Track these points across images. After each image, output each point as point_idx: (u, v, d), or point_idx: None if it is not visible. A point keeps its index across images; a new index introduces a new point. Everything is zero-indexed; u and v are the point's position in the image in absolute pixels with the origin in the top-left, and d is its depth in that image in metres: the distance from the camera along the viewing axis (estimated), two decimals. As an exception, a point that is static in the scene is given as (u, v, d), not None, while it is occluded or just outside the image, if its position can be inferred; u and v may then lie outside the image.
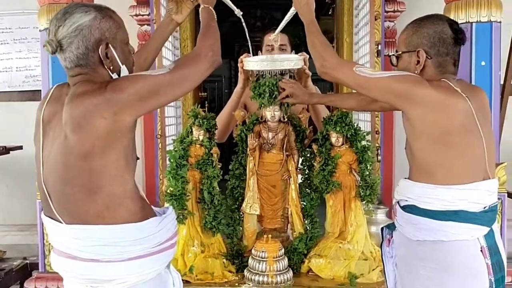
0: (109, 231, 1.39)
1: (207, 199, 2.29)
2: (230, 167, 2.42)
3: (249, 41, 2.28)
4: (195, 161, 2.31)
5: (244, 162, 2.38)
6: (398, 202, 1.82)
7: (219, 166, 2.34)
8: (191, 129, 2.35)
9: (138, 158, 1.53)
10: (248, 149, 2.34)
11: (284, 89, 2.28)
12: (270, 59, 2.31)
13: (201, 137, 2.32)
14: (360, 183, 2.29)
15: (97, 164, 1.36)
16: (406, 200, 1.76)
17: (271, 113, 2.33)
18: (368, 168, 2.30)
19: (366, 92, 1.79)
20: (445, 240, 1.66)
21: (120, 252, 1.40)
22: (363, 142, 2.31)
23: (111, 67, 1.45)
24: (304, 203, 2.38)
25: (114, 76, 1.46)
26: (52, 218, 1.45)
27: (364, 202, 2.30)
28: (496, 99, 2.87)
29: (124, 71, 1.49)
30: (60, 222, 1.42)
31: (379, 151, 3.36)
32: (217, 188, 2.33)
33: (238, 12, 2.17)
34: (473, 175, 1.67)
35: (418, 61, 1.73)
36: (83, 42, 1.41)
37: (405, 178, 1.82)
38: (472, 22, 2.84)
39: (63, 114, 1.36)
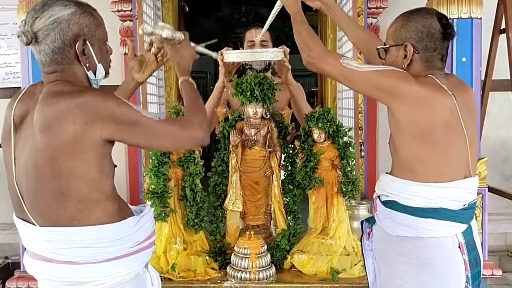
0: (85, 233, 1.36)
1: (189, 197, 2.28)
2: (212, 164, 2.41)
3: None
4: (177, 158, 2.30)
5: (226, 159, 2.38)
6: (378, 196, 1.82)
7: (201, 163, 2.33)
8: (173, 126, 2.33)
9: (115, 166, 1.48)
10: (230, 146, 2.33)
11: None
12: (250, 51, 2.30)
13: (183, 134, 2.31)
14: (342, 179, 2.30)
15: (64, 171, 1.31)
16: (387, 196, 1.77)
17: (253, 109, 2.32)
18: (350, 164, 2.31)
19: (351, 85, 1.78)
20: (424, 236, 1.66)
21: (96, 254, 1.37)
22: (345, 138, 2.32)
23: (87, 64, 1.42)
24: (287, 200, 2.38)
25: (90, 74, 1.43)
26: (25, 220, 1.41)
27: (346, 198, 2.31)
28: (477, 95, 2.90)
29: (100, 70, 1.46)
30: (34, 224, 1.38)
31: (362, 147, 3.38)
32: (200, 185, 2.32)
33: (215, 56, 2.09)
34: (455, 173, 1.68)
35: (406, 55, 1.71)
36: (60, 36, 1.37)
37: (387, 173, 1.82)
38: (453, 19, 2.85)
39: (35, 113, 1.32)
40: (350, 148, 2.31)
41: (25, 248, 1.49)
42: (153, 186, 2.24)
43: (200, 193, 2.30)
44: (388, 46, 1.78)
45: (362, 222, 1.97)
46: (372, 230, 1.89)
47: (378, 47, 1.83)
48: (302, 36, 1.86)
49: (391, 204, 1.74)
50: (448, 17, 2.87)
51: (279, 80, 2.71)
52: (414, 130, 1.64)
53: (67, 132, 1.28)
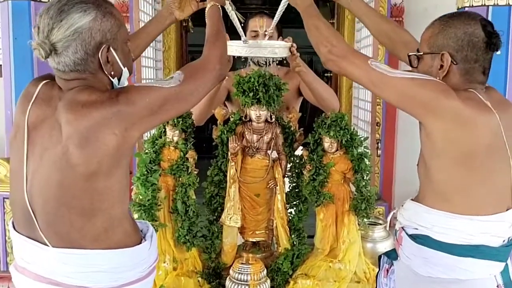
0: (106, 256, 1.28)
1: (180, 210, 2.01)
2: (208, 173, 2.13)
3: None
4: (168, 166, 2.03)
5: (224, 168, 2.10)
6: (403, 228, 1.57)
7: (196, 172, 2.06)
8: (165, 129, 2.06)
9: (131, 173, 1.37)
10: (229, 154, 2.05)
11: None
12: (252, 45, 2.00)
13: (175, 138, 2.04)
14: (355, 195, 2.02)
15: (101, 184, 1.25)
16: (416, 228, 1.52)
17: (256, 112, 2.02)
18: (365, 178, 2.02)
19: (378, 92, 1.53)
20: (462, 278, 1.46)
21: (115, 279, 1.30)
22: (360, 149, 2.03)
23: (112, 72, 1.32)
24: (291, 216, 2.11)
25: (115, 81, 1.33)
26: (32, 239, 1.29)
27: (358, 216, 2.03)
28: (510, 90, 2.63)
29: (125, 75, 1.36)
30: (46, 244, 1.26)
31: (379, 144, 3.09)
32: (193, 197, 2.05)
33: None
34: (498, 205, 1.46)
35: (442, 66, 1.47)
36: (82, 47, 1.26)
37: (413, 200, 1.57)
38: (488, 5, 2.56)
39: (65, 125, 1.21)
40: (366, 160, 2.02)
41: (6, 247, 1.36)
42: (140, 197, 1.99)
43: (193, 206, 2.03)
44: (421, 53, 1.52)
45: (380, 256, 1.71)
46: (391, 266, 1.64)
47: (410, 53, 1.57)
48: (321, 30, 1.60)
49: (422, 239, 1.49)
50: (483, 4, 2.60)
51: (286, 70, 2.41)
52: (453, 152, 1.42)
53: (108, 143, 1.22)
